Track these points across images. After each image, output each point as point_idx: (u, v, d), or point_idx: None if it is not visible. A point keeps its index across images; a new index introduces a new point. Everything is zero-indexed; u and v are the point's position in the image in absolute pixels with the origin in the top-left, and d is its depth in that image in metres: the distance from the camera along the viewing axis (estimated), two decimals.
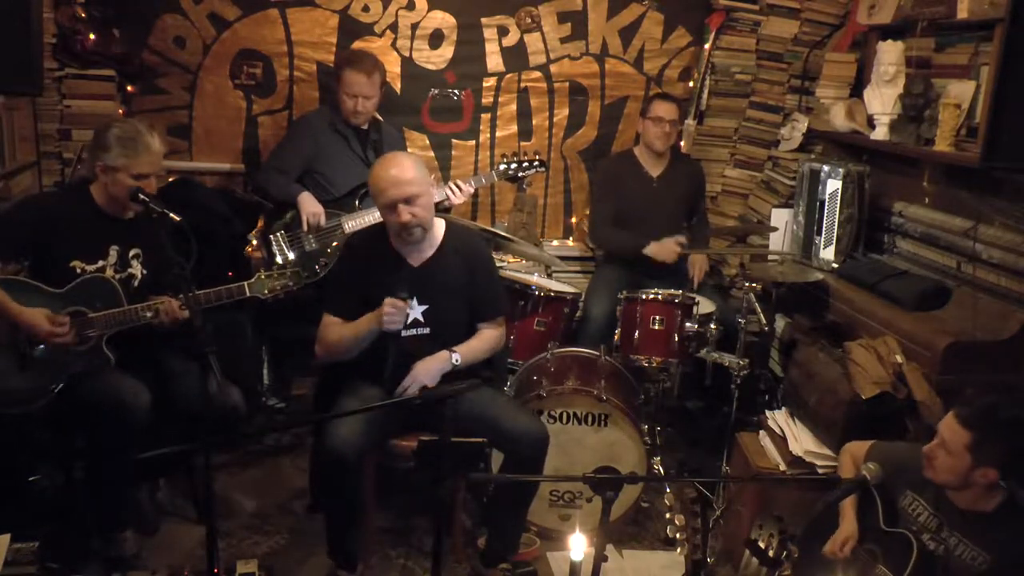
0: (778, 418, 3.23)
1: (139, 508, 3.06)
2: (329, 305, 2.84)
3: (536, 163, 3.93)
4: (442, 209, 3.62)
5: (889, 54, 3.66)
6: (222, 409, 2.71)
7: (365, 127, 3.84)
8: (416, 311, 2.79)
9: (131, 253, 2.92)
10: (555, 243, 4.55)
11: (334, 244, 3.64)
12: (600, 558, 1.95)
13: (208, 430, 2.71)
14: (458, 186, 3.71)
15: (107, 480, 2.85)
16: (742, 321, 3.45)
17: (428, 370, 2.76)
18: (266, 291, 2.91)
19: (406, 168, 2.69)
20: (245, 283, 2.89)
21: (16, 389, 2.70)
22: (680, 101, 4.21)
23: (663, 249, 3.85)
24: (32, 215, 2.83)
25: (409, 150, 4.19)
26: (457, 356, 2.80)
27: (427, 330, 2.83)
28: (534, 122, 4.46)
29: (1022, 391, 2.78)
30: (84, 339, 2.77)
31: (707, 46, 4.42)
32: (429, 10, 4.20)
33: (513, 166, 3.91)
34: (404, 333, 2.80)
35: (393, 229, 2.74)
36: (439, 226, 2.88)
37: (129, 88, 3.99)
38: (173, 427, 2.86)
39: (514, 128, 4.45)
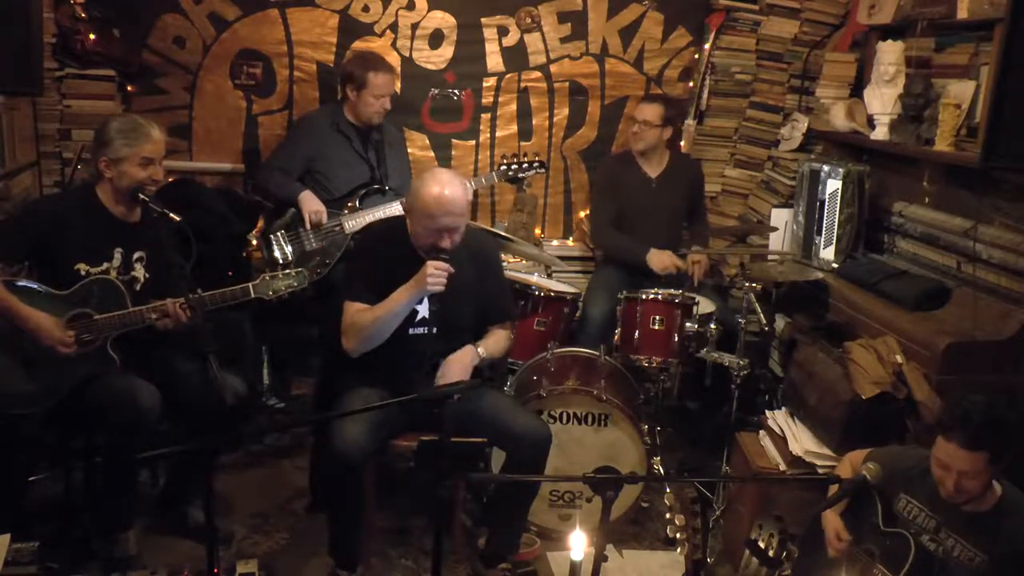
0: (778, 418, 3.23)
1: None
2: (352, 294, 2.80)
3: (536, 164, 3.95)
4: None
5: (889, 54, 3.67)
6: (223, 404, 2.71)
7: (367, 127, 3.85)
8: (424, 310, 2.79)
9: (135, 256, 2.92)
10: (555, 243, 4.55)
11: (335, 244, 3.64)
12: (600, 558, 1.95)
13: (211, 426, 2.71)
14: None
15: (111, 481, 2.85)
16: (742, 321, 3.45)
17: (462, 363, 2.77)
18: (271, 292, 2.90)
19: (460, 198, 2.66)
20: (250, 284, 2.88)
21: (22, 392, 2.69)
22: (674, 101, 4.21)
23: (661, 260, 3.85)
24: (39, 217, 2.83)
25: (409, 150, 4.19)
26: (482, 350, 2.81)
27: (434, 329, 2.82)
28: (534, 122, 4.46)
29: (1008, 390, 2.77)
30: (88, 341, 2.76)
31: (707, 46, 4.42)
32: (429, 10, 4.20)
33: (513, 167, 3.92)
34: (411, 331, 2.80)
35: (424, 243, 2.72)
36: None
37: (129, 88, 3.99)
38: (176, 425, 2.86)
39: (514, 128, 4.45)
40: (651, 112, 3.96)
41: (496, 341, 2.91)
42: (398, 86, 4.21)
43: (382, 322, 2.71)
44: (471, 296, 2.82)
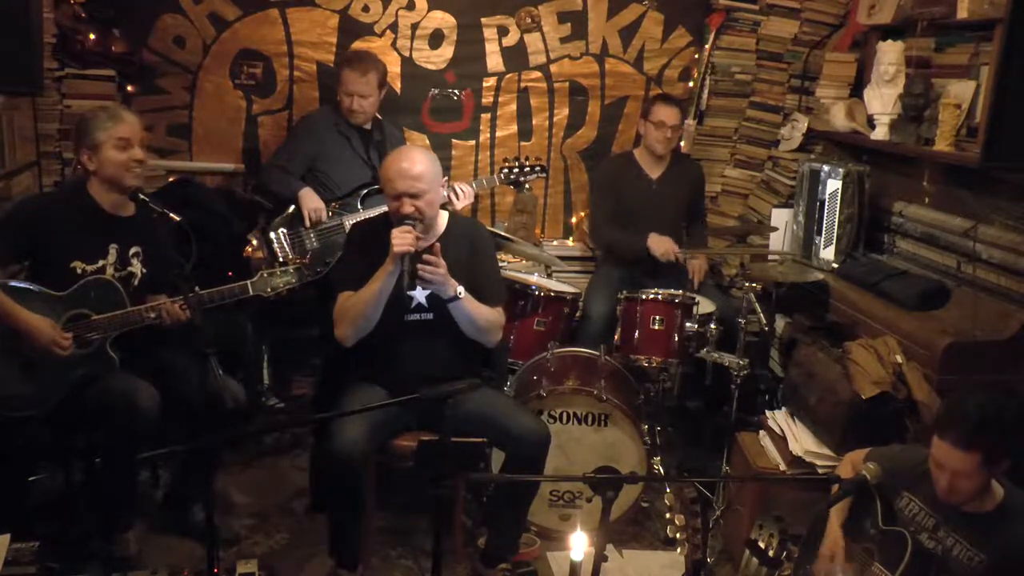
0: (778, 418, 3.23)
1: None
2: (342, 285, 2.82)
3: (537, 168, 3.96)
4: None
5: (889, 54, 3.67)
6: (223, 406, 2.71)
7: (368, 127, 3.85)
8: (420, 295, 2.79)
9: (131, 251, 2.91)
10: (555, 243, 4.55)
11: (335, 243, 3.64)
12: (600, 558, 1.95)
13: (210, 428, 2.71)
14: (461, 189, 3.72)
15: (111, 481, 2.85)
16: (742, 321, 3.45)
17: (447, 272, 2.69)
18: (269, 289, 2.90)
19: (416, 163, 2.71)
20: (248, 282, 2.89)
21: (21, 394, 2.69)
22: (680, 102, 4.21)
23: (662, 244, 3.85)
24: (32, 216, 2.82)
25: None
26: (462, 290, 2.75)
27: (430, 315, 2.82)
28: (534, 122, 4.46)
29: (1008, 390, 2.77)
30: (87, 342, 2.76)
31: (707, 46, 4.42)
32: (429, 10, 4.20)
33: (515, 171, 3.93)
34: (408, 318, 2.81)
35: (394, 218, 2.75)
36: (442, 216, 2.89)
37: (129, 88, 3.99)
38: (175, 425, 2.86)
39: (514, 128, 4.45)
40: (677, 115, 3.98)
41: (482, 307, 2.83)
42: (397, 87, 4.22)
43: (366, 303, 2.72)
44: (461, 277, 2.80)
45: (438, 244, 2.70)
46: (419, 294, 2.79)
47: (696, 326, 3.44)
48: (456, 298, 2.74)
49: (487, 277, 2.91)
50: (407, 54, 4.24)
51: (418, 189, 2.69)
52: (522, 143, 4.45)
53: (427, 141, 4.35)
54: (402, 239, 2.63)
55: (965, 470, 2.12)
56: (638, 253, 3.91)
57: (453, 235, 2.87)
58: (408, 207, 2.69)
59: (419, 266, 2.61)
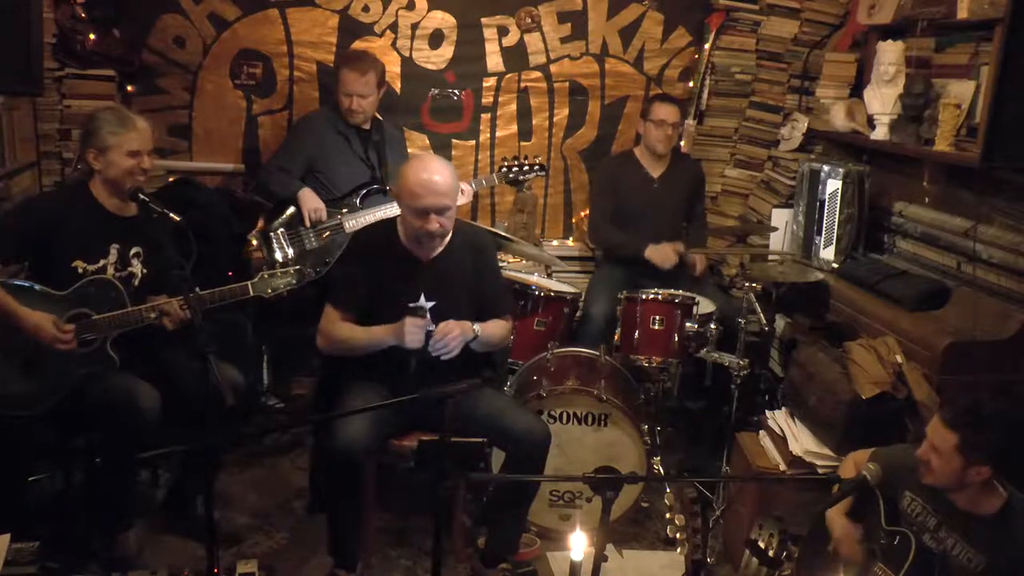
0: (778, 418, 3.23)
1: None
2: (334, 299, 2.83)
3: (536, 167, 3.97)
4: None
5: (889, 54, 3.67)
6: (223, 405, 2.70)
7: (367, 127, 3.85)
8: (425, 307, 2.79)
9: (132, 252, 2.92)
10: (555, 243, 4.55)
11: (335, 243, 3.64)
12: (600, 558, 1.95)
13: (210, 428, 2.71)
14: (461, 188, 3.71)
15: (111, 481, 2.85)
16: (742, 321, 3.45)
17: (461, 327, 2.73)
18: (269, 290, 2.90)
19: (446, 178, 2.68)
20: (248, 283, 2.89)
21: (21, 393, 2.69)
22: (680, 101, 4.22)
23: (661, 253, 3.86)
24: (34, 216, 2.83)
25: (409, 150, 4.19)
26: (478, 327, 2.79)
27: (433, 327, 2.83)
28: (534, 122, 4.46)
29: (1016, 390, 2.77)
30: (88, 341, 2.76)
31: (707, 46, 4.42)
32: (429, 10, 4.20)
33: (514, 170, 3.94)
34: None
35: (413, 232, 2.73)
36: None
37: (129, 88, 3.99)
38: (175, 425, 2.86)
39: (514, 128, 4.45)
40: (676, 113, 3.99)
41: (493, 327, 2.89)
42: (397, 87, 4.22)
43: (352, 347, 2.78)
44: (468, 291, 2.81)
45: (439, 326, 2.73)
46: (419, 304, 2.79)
47: (696, 326, 3.44)
48: (475, 338, 2.78)
49: (494, 289, 2.94)
50: (407, 54, 4.24)
51: (444, 204, 2.68)
52: (522, 143, 4.45)
53: (427, 141, 4.35)
54: (415, 335, 2.66)
55: (940, 447, 2.16)
56: (636, 256, 3.92)
57: (457, 244, 2.87)
58: (434, 224, 2.68)
59: (432, 348, 2.68)
